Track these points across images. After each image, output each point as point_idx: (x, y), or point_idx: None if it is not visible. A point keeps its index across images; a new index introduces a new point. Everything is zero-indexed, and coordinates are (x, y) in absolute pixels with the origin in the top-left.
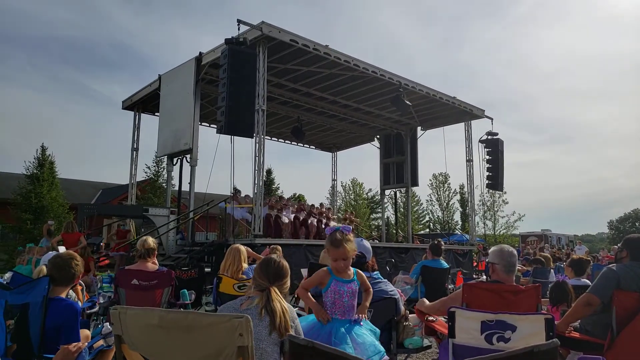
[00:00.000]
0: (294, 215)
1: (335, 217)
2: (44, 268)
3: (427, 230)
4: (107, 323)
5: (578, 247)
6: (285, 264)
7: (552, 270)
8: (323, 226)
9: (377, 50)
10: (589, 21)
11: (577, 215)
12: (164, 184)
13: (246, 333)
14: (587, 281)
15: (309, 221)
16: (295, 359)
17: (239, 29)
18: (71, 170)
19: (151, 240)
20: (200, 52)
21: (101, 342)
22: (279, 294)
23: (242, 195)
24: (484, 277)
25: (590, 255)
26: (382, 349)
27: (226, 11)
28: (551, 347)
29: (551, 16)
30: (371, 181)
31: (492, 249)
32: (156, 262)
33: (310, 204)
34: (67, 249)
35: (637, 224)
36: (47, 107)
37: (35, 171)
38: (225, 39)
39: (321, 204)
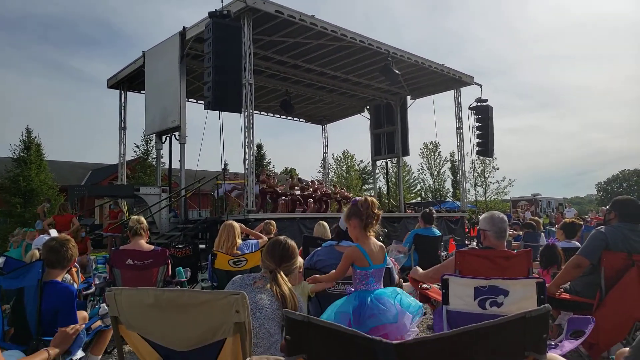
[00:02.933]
0: (287, 192)
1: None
2: (37, 252)
3: (419, 198)
4: (104, 304)
5: (567, 210)
6: (292, 244)
7: (542, 234)
8: (317, 198)
9: (366, 19)
10: None
11: (566, 179)
12: (153, 163)
13: (242, 309)
14: (577, 243)
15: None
16: (292, 335)
17: (222, 2)
18: (59, 152)
19: (143, 218)
20: (184, 27)
21: (99, 322)
22: (284, 276)
23: (232, 173)
24: (474, 243)
25: (580, 218)
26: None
27: None
28: (543, 312)
29: None
30: (362, 152)
31: (483, 215)
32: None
33: (303, 179)
34: (59, 231)
35: (624, 185)
36: (32, 88)
37: (21, 154)
38: (209, 12)
39: (312, 182)
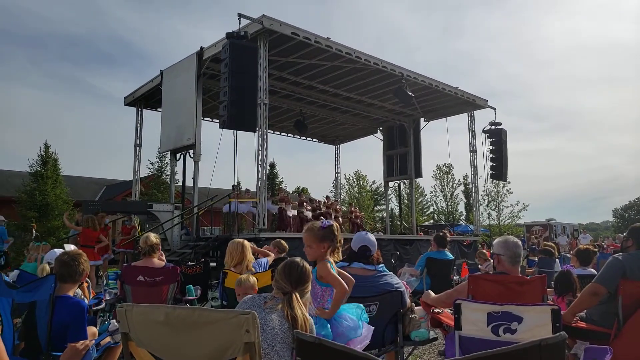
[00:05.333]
0: (296, 210)
1: (340, 211)
2: (47, 266)
3: (432, 221)
4: (114, 320)
5: (582, 236)
6: (308, 267)
7: (557, 260)
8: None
9: (379, 40)
10: (590, 7)
11: (581, 204)
12: (167, 180)
13: (253, 329)
14: (593, 270)
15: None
16: (303, 356)
17: (239, 23)
18: (75, 167)
19: (153, 236)
20: (201, 47)
21: (108, 339)
22: (299, 300)
23: (243, 189)
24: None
25: (595, 244)
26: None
27: (227, 5)
28: (558, 340)
29: (552, 2)
30: (375, 173)
31: (497, 240)
32: (163, 257)
33: (315, 198)
34: (85, 245)
35: None
36: (49, 104)
37: (39, 169)
38: (226, 33)
39: (327, 197)
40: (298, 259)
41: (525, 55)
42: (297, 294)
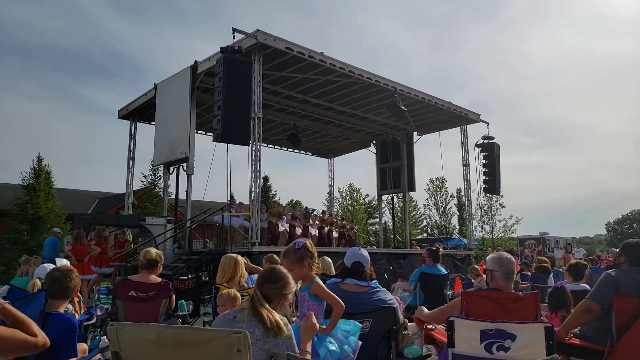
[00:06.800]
0: (288, 224)
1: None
2: (38, 281)
3: (425, 234)
4: (105, 337)
5: (576, 250)
6: (282, 269)
7: (550, 275)
8: (325, 233)
9: (371, 54)
10: (580, 21)
11: (574, 218)
12: (160, 193)
13: (244, 349)
14: (586, 285)
15: (309, 230)
16: None
17: (234, 38)
18: (67, 180)
19: (154, 252)
20: (195, 61)
21: (99, 356)
22: (261, 298)
23: (237, 203)
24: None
25: (588, 259)
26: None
27: (221, 20)
28: None
29: (541, 16)
30: (368, 186)
31: (490, 256)
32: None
33: (310, 209)
34: (77, 259)
35: (634, 225)
36: (42, 116)
37: (31, 181)
38: (221, 48)
39: (323, 212)
40: (278, 266)
41: (517, 69)
42: (262, 292)
